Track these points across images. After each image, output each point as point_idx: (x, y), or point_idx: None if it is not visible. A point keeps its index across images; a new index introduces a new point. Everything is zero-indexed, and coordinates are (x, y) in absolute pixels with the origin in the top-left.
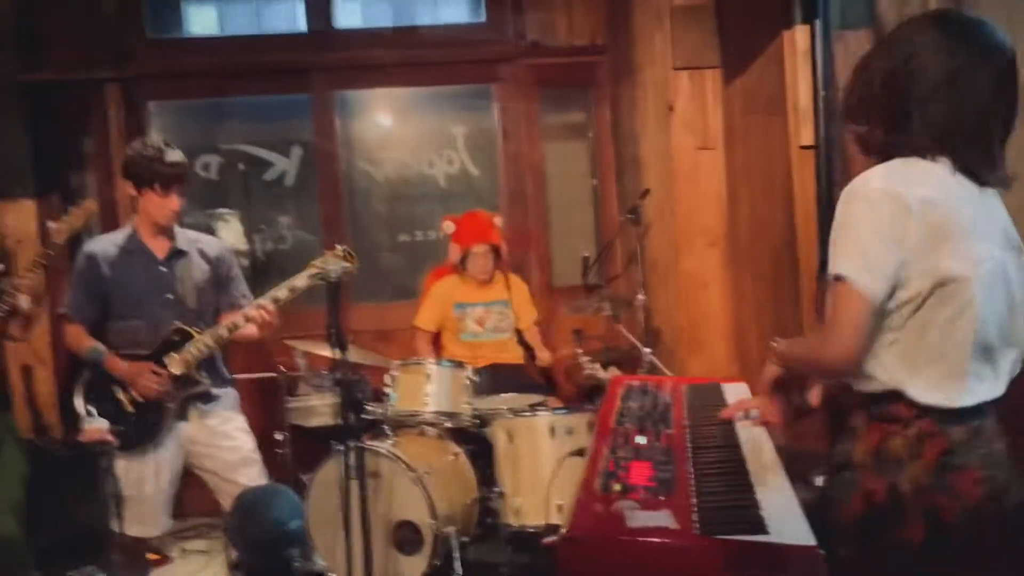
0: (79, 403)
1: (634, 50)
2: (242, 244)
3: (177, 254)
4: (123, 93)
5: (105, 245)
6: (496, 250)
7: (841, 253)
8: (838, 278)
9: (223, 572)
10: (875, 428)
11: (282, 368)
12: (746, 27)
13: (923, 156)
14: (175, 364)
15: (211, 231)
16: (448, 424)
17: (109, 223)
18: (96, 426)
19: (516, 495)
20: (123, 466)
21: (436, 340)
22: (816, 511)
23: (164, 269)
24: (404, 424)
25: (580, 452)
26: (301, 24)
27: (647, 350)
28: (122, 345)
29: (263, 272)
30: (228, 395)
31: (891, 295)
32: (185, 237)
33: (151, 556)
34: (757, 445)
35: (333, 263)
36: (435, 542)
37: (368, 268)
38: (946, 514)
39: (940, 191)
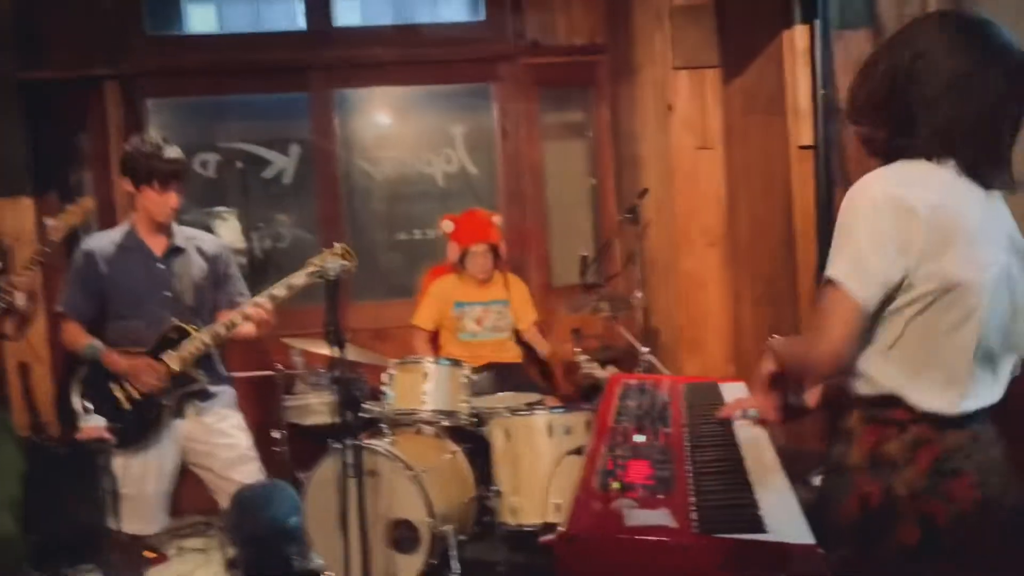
0: (76, 400)
1: (633, 50)
2: (240, 242)
3: (175, 251)
4: (122, 91)
5: (103, 242)
6: (495, 249)
7: (837, 257)
8: (830, 281)
9: (220, 570)
10: (871, 431)
11: (279, 366)
12: (746, 27)
13: (929, 158)
14: (172, 362)
15: (209, 229)
16: (446, 423)
17: (107, 220)
18: (93, 424)
19: (513, 494)
20: (120, 464)
21: (434, 339)
22: (813, 511)
23: (162, 266)
24: (401, 423)
25: (578, 451)
26: (300, 22)
27: (645, 349)
28: (119, 342)
29: (261, 270)
30: (225, 393)
31: (892, 299)
32: (183, 234)
33: (148, 554)
34: (755, 444)
35: (332, 261)
36: (432, 541)
37: (366, 266)
38: (941, 519)
39: (947, 195)
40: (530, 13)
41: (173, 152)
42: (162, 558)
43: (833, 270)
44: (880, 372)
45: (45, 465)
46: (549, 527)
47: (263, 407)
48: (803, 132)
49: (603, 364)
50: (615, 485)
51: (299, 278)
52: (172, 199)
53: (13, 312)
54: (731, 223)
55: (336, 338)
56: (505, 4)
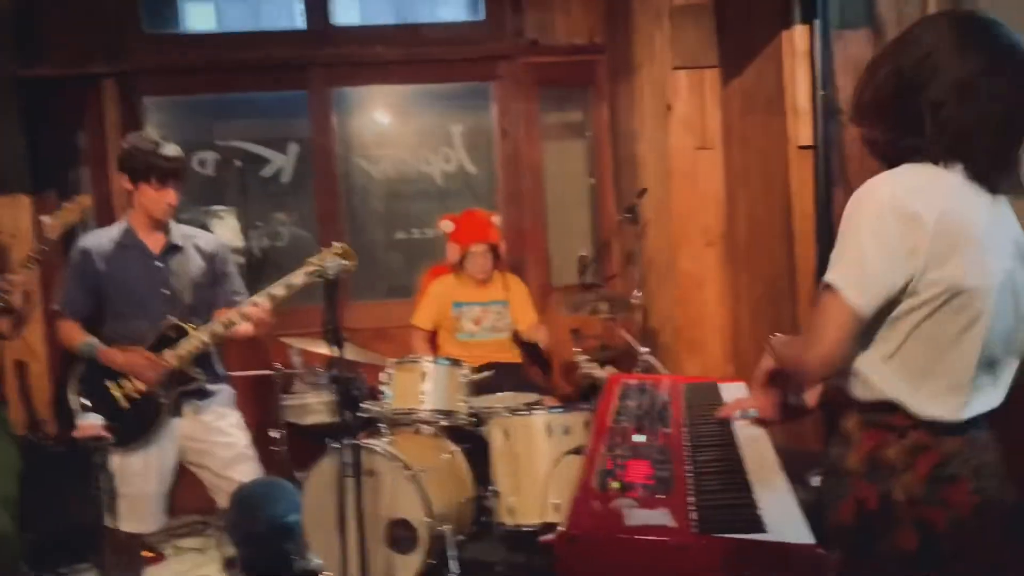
0: (73, 399)
1: (633, 49)
2: (238, 241)
3: (172, 249)
4: (120, 89)
5: (100, 240)
6: (495, 249)
7: (838, 261)
8: (828, 286)
9: (217, 569)
10: (870, 435)
11: (278, 365)
12: (745, 27)
13: (935, 162)
14: (171, 360)
15: (207, 228)
16: (444, 422)
17: (104, 218)
18: (91, 422)
19: (512, 494)
20: (117, 462)
21: (433, 339)
22: (812, 512)
23: (159, 264)
24: (400, 422)
25: (577, 451)
26: (299, 20)
27: (644, 349)
28: (117, 341)
29: (259, 269)
30: (223, 391)
31: (895, 305)
32: (180, 232)
33: (145, 553)
34: (755, 444)
35: (331, 260)
36: (430, 540)
37: (365, 265)
38: (938, 524)
39: (953, 200)
40: (530, 12)
41: (171, 149)
42: (159, 557)
43: (832, 274)
44: (881, 378)
45: (42, 463)
46: (548, 527)
47: (261, 406)
48: (802, 132)
49: (602, 364)
50: (615, 485)
51: (298, 277)
52: (170, 196)
53: (10, 310)
54: (730, 223)
55: (335, 337)
56: (504, 3)
